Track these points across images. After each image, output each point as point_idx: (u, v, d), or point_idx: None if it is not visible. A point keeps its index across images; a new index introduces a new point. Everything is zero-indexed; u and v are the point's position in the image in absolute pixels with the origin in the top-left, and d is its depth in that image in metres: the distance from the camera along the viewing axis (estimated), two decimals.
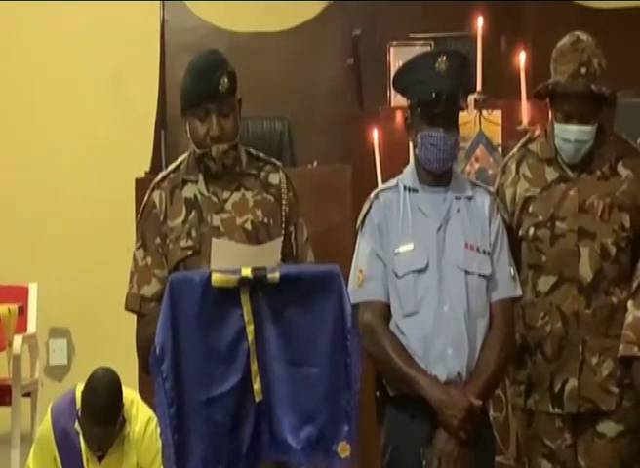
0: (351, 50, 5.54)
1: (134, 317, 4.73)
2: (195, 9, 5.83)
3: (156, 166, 5.38)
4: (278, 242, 2.92)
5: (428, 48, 4.72)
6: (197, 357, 2.82)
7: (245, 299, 2.83)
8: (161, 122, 5.64)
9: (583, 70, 3.08)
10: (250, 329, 2.83)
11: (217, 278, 2.81)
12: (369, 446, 3.14)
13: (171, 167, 3.02)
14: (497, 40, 5.22)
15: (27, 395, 5.15)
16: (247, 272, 2.81)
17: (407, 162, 3.41)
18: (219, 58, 2.95)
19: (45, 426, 3.66)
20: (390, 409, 3.01)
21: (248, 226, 2.93)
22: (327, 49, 5.71)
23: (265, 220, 2.95)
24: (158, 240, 2.94)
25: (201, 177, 2.96)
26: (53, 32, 5.72)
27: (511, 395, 3.25)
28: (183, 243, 2.92)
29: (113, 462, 3.60)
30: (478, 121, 4.29)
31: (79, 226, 5.62)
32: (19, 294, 5.24)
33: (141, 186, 4.93)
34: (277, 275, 2.82)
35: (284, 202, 2.98)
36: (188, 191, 2.96)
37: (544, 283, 3.14)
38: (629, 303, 3.09)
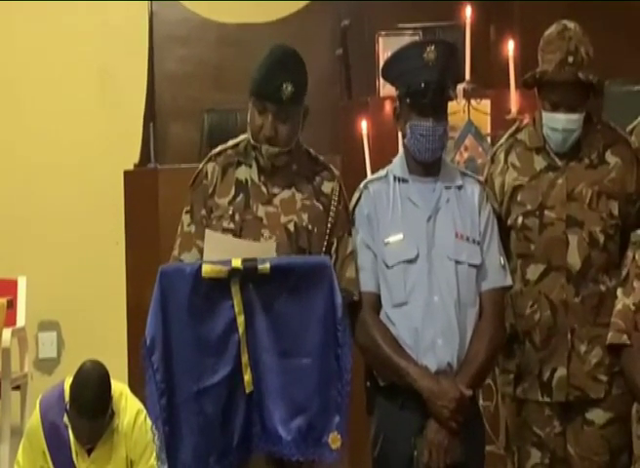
0: (340, 40, 5.53)
1: (123, 310, 4.77)
2: (183, 0, 5.81)
3: (144, 158, 5.37)
4: (272, 244, 2.90)
5: (417, 38, 4.70)
6: (188, 348, 2.83)
7: (235, 290, 2.83)
8: (150, 114, 5.62)
9: (570, 59, 3.08)
10: (240, 320, 2.83)
11: (207, 269, 2.81)
12: (359, 436, 3.14)
13: (231, 143, 3.03)
14: (485, 29, 5.22)
15: (17, 388, 5.14)
16: (237, 263, 2.82)
17: (396, 152, 3.40)
18: (290, 62, 2.92)
19: (34, 420, 3.65)
20: (381, 399, 3.01)
21: (291, 227, 2.93)
22: (315, 39, 5.69)
23: (309, 227, 2.94)
24: (203, 212, 2.95)
25: (255, 164, 2.96)
26: (40, 25, 5.68)
27: (501, 384, 3.25)
28: (225, 224, 2.92)
29: (102, 455, 3.59)
30: (467, 110, 4.29)
31: (68, 219, 5.60)
32: (7, 288, 5.23)
33: (130, 179, 4.94)
34: (268, 266, 2.82)
35: (332, 213, 2.97)
36: (241, 173, 2.97)
37: (533, 271, 3.14)
38: (619, 291, 3.09)
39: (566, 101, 3.10)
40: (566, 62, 3.08)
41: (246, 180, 2.96)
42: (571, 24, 3.14)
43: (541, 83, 3.13)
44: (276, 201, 2.94)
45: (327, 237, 2.95)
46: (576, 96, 3.10)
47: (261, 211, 2.93)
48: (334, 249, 2.96)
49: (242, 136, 3.02)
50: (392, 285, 2.97)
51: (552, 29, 3.15)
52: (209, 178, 2.97)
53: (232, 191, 2.95)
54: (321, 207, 2.97)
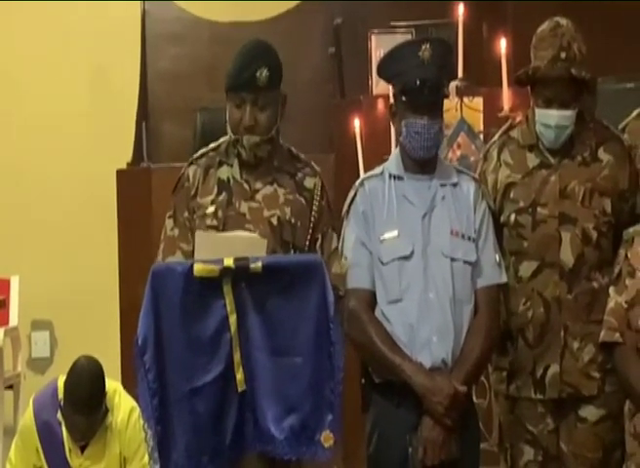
0: (332, 38, 5.53)
1: (116, 309, 4.77)
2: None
3: (137, 157, 5.36)
4: (263, 239, 2.90)
5: (409, 36, 4.72)
6: (180, 348, 2.83)
7: (227, 289, 2.83)
8: (142, 113, 5.61)
9: (563, 55, 3.08)
10: (232, 319, 2.83)
11: (199, 268, 2.81)
12: (354, 434, 3.14)
13: (212, 145, 3.05)
14: (478, 27, 5.21)
15: (10, 388, 5.14)
16: (229, 262, 2.81)
17: (389, 150, 3.41)
18: (262, 49, 2.97)
19: (27, 418, 3.64)
20: (376, 396, 3.01)
21: (274, 221, 2.94)
22: (308, 38, 5.69)
23: (292, 220, 2.96)
24: (186, 214, 2.98)
25: (236, 162, 2.99)
26: (33, 24, 5.67)
27: (494, 381, 3.25)
28: (209, 221, 2.94)
29: (96, 452, 3.59)
30: (459, 108, 4.29)
31: (61, 218, 5.59)
32: (0, 287, 5.22)
33: (123, 178, 4.93)
34: (260, 265, 2.82)
35: (314, 207, 2.98)
36: (223, 172, 2.99)
37: (526, 268, 3.14)
38: (611, 289, 3.09)
39: (559, 98, 3.09)
40: (558, 58, 3.08)
41: (228, 179, 2.98)
42: (563, 21, 3.14)
43: (534, 79, 3.13)
44: (259, 197, 2.96)
45: (310, 232, 2.97)
46: (568, 92, 3.10)
47: (244, 207, 2.95)
48: (318, 244, 2.98)
49: (223, 139, 3.05)
50: (387, 281, 2.97)
51: (545, 26, 3.15)
52: (190, 181, 2.99)
53: (215, 190, 2.97)
54: (304, 201, 2.98)
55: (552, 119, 3.11)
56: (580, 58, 3.10)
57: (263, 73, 2.90)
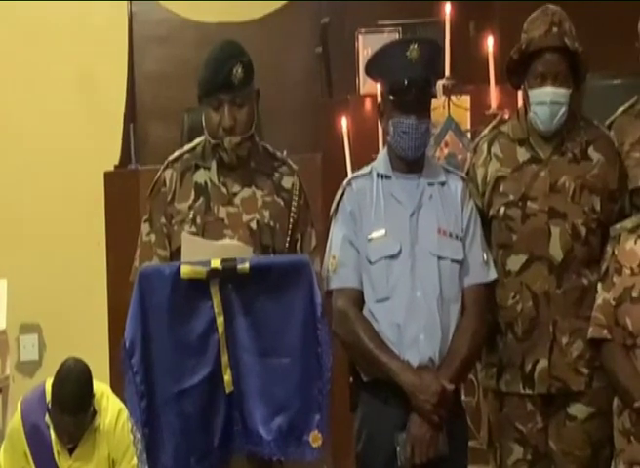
0: (320, 38, 5.53)
1: (105, 311, 4.75)
2: (162, 1, 5.79)
3: (125, 159, 5.35)
4: (249, 249, 2.90)
5: (396, 35, 4.72)
6: (167, 350, 2.82)
7: (215, 291, 2.82)
8: (130, 115, 5.60)
9: (555, 29, 3.08)
10: (220, 320, 2.83)
11: (186, 270, 2.81)
12: (343, 433, 3.13)
13: (187, 147, 3.04)
14: (465, 26, 5.21)
15: None
16: (216, 263, 2.81)
17: (376, 149, 3.40)
18: (233, 48, 2.96)
19: (15, 421, 3.64)
20: (364, 394, 3.01)
21: (253, 225, 2.93)
22: (295, 37, 5.69)
23: (272, 223, 2.95)
24: (163, 220, 2.96)
25: (214, 166, 2.97)
26: (18, 26, 5.66)
27: (483, 378, 3.24)
28: (187, 228, 2.93)
29: (84, 454, 3.59)
30: (447, 106, 4.28)
31: (48, 221, 5.57)
32: None
33: (111, 180, 4.92)
34: (247, 266, 2.81)
35: (293, 208, 2.98)
36: (200, 176, 2.97)
37: (514, 262, 3.13)
38: (599, 285, 3.08)
39: (553, 71, 3.06)
40: (551, 31, 3.08)
41: (205, 183, 2.96)
42: (553, 6, 3.15)
43: (528, 54, 3.09)
44: (237, 200, 2.95)
45: (290, 233, 2.96)
46: (562, 65, 3.07)
47: (223, 212, 2.94)
48: (298, 245, 2.98)
49: (198, 140, 3.03)
50: (375, 280, 2.97)
51: (534, 13, 3.16)
52: (167, 185, 2.98)
53: (192, 195, 2.95)
54: (282, 202, 2.98)
55: (547, 96, 3.08)
56: (570, 36, 3.09)
57: (239, 71, 2.89)
